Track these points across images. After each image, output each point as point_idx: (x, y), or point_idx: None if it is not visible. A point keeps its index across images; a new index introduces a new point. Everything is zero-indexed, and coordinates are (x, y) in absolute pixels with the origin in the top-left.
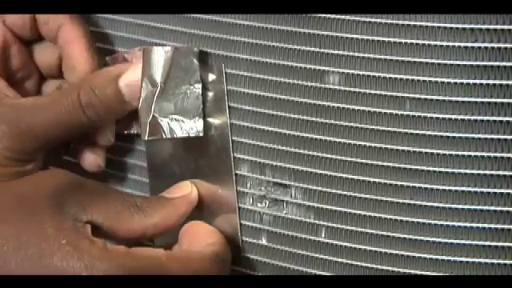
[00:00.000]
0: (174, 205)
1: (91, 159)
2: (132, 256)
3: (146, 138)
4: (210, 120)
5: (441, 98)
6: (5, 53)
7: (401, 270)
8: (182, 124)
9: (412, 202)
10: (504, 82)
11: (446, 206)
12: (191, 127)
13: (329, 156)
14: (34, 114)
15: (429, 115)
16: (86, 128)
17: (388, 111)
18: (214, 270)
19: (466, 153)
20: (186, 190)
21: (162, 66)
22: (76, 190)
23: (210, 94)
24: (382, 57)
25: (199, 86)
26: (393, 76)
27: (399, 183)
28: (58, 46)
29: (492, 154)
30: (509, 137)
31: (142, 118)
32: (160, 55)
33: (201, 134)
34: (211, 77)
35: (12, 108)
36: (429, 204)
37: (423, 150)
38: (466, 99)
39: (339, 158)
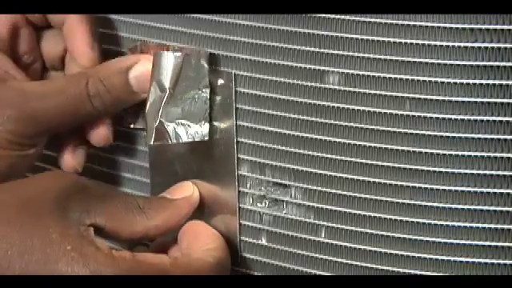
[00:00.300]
0: (175, 206)
1: (69, 162)
2: (137, 263)
3: (152, 143)
4: (216, 124)
5: (441, 98)
6: (15, 35)
7: (401, 270)
8: (188, 128)
9: (412, 202)
10: (504, 82)
11: (446, 206)
12: (197, 131)
13: (329, 156)
14: (40, 100)
15: (429, 115)
16: (91, 117)
17: (388, 111)
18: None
19: (466, 153)
20: (188, 192)
21: (172, 71)
22: (79, 193)
23: (218, 98)
24: (382, 57)
25: (207, 90)
26: (393, 76)
27: (399, 183)
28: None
29: (492, 154)
30: (509, 137)
31: (149, 122)
32: (170, 61)
33: (206, 138)
34: (220, 81)
35: (18, 92)
36: (429, 204)
37: (423, 150)
38: (466, 99)
39: (339, 158)
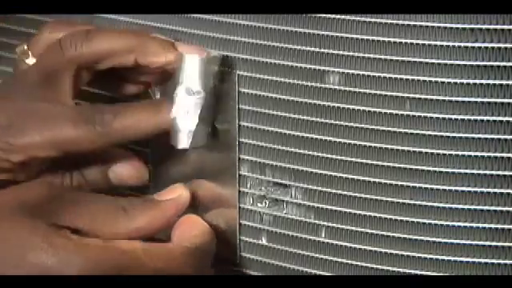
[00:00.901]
0: (160, 208)
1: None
2: (108, 249)
3: (188, 147)
4: (219, 126)
5: (441, 97)
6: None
7: (401, 269)
8: (194, 132)
9: (412, 202)
10: (504, 82)
11: (446, 206)
12: (200, 135)
13: (329, 156)
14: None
15: (429, 115)
16: None
17: (388, 111)
18: (191, 263)
19: (466, 153)
20: (177, 193)
21: (184, 75)
22: (50, 201)
23: (221, 100)
24: (382, 57)
25: (212, 93)
26: (393, 76)
27: (399, 183)
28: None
29: (492, 154)
30: (509, 137)
31: (180, 124)
32: (193, 63)
33: (207, 141)
34: (224, 83)
35: None
36: (429, 204)
37: (423, 150)
38: (466, 99)
39: (339, 158)
